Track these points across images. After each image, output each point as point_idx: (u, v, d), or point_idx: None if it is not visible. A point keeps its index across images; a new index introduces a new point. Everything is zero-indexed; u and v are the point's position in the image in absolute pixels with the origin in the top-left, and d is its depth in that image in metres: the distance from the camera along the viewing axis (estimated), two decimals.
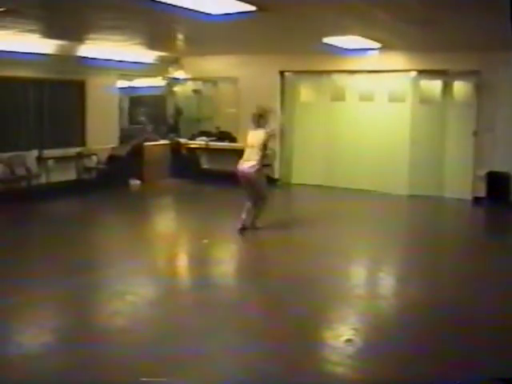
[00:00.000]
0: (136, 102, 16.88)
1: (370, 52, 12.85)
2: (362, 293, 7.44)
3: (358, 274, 8.49)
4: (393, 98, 14.05)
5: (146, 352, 5.26)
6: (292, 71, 15.34)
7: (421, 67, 13.49)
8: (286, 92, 15.42)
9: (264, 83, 15.08)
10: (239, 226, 9.71)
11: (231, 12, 7.97)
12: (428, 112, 13.79)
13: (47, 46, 12.49)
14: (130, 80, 16.23)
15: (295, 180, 15.35)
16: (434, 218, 12.45)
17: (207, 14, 8.08)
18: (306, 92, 15.49)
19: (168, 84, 16.87)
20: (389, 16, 8.22)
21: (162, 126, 16.88)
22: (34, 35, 11.40)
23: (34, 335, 5.69)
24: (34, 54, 12.37)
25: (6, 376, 4.80)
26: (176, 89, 17.03)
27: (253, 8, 7.64)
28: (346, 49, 12.03)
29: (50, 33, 11.51)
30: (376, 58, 13.42)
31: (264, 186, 10.14)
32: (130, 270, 7.85)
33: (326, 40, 10.92)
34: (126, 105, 16.60)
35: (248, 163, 9.69)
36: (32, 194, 13.01)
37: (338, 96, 14.83)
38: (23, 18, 9.39)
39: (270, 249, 9.19)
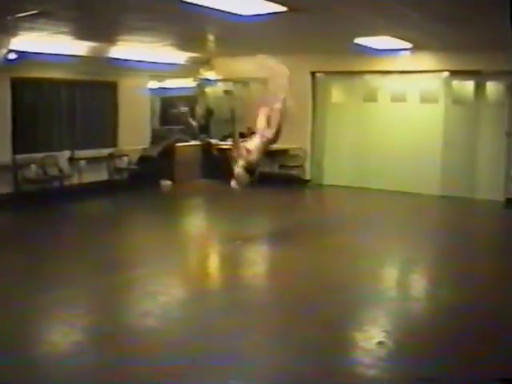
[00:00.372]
0: (167, 102, 16.93)
1: (401, 52, 12.77)
2: (394, 295, 7.39)
3: (390, 275, 8.43)
4: (425, 99, 13.95)
5: (176, 352, 5.27)
6: (323, 72, 15.28)
7: (453, 68, 13.36)
8: (317, 93, 15.37)
9: (295, 84, 14.99)
10: None
11: (262, 13, 7.96)
12: (460, 113, 13.67)
13: (79, 47, 12.58)
14: (161, 81, 16.28)
15: (326, 181, 15.30)
16: (467, 219, 12.31)
17: (238, 15, 8.08)
18: (337, 93, 15.43)
19: (199, 85, 16.90)
20: (420, 15, 8.16)
21: (193, 127, 16.90)
22: (67, 37, 11.49)
23: (66, 334, 5.72)
24: (66, 55, 12.47)
25: (39, 374, 4.84)
26: (207, 90, 17.06)
27: (284, 9, 7.63)
28: (377, 49, 11.97)
29: (81, 34, 11.58)
30: (408, 59, 13.32)
31: None
32: (162, 271, 7.87)
33: (357, 40, 10.88)
34: (157, 106, 16.67)
35: None
36: (64, 194, 13.12)
37: (370, 97, 14.76)
38: (55, 20, 9.47)
39: (302, 250, 9.13)
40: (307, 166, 15.33)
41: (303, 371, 4.85)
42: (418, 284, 8.04)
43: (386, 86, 14.63)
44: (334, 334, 5.81)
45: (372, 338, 5.72)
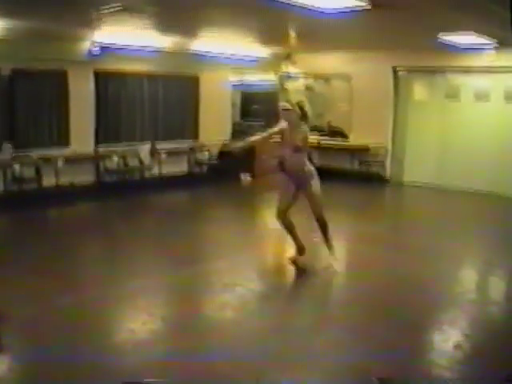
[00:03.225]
0: (248, 97, 16.99)
1: (486, 49, 12.46)
2: (473, 297, 7.24)
3: (470, 278, 8.28)
4: (511, 98, 13.57)
5: (252, 345, 5.32)
6: (405, 68, 15.07)
7: None
8: (398, 89, 15.18)
9: (377, 80, 14.91)
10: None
11: (345, 10, 7.90)
12: None
13: (162, 41, 12.76)
14: (242, 75, 16.36)
15: (406, 179, 15.09)
16: None
17: (321, 11, 8.05)
18: (419, 90, 15.19)
19: (280, 79, 16.90)
20: (505, 9, 7.95)
21: (274, 122, 16.90)
22: (150, 31, 11.66)
23: (145, 322, 5.84)
24: (149, 49, 12.68)
25: (118, 361, 4.95)
26: (288, 85, 17.04)
27: (367, 6, 7.56)
28: (461, 46, 11.72)
29: (164, 29, 11.74)
30: (492, 56, 12.99)
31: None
32: (241, 263, 7.95)
33: (440, 36, 10.68)
34: (238, 100, 16.76)
35: None
36: (144, 185, 13.38)
37: (453, 95, 14.45)
38: (138, 15, 9.62)
39: (381, 249, 9.03)
40: (387, 163, 15.16)
41: (379, 370, 4.81)
42: (499, 287, 7.86)
43: (470, 83, 14.29)
44: (411, 334, 5.74)
45: (450, 339, 5.64)
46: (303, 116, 7.59)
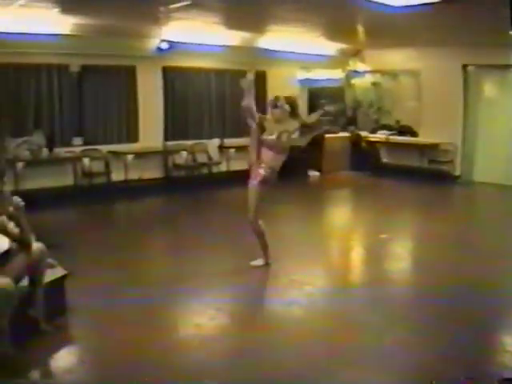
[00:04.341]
0: (314, 93, 16.90)
1: None
2: None
3: None
4: None
5: (319, 343, 5.28)
6: (475, 65, 14.76)
7: None
8: (468, 86, 14.87)
9: (446, 77, 14.65)
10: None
11: (415, 4, 7.80)
12: None
13: (230, 37, 12.82)
14: (308, 72, 16.29)
15: (477, 177, 14.77)
16: None
17: (390, 5, 7.96)
18: (490, 87, 14.84)
19: (347, 76, 16.81)
20: None
21: (341, 118, 16.83)
22: (218, 27, 11.72)
23: (212, 317, 5.84)
24: (217, 45, 12.76)
25: (185, 356, 5.00)
26: (354, 81, 16.94)
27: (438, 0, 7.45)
28: None
29: (232, 24, 11.79)
30: None
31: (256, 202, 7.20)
32: (308, 261, 7.90)
33: None
34: (304, 96, 16.68)
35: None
36: (212, 180, 13.48)
37: None
38: (207, 11, 9.67)
39: (449, 249, 8.85)
40: (457, 161, 14.89)
41: (444, 371, 4.72)
42: None
43: None
44: (479, 335, 5.59)
45: None
46: (293, 113, 7.21)
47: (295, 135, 7.19)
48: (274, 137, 7.01)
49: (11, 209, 4.87)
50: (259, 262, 7.41)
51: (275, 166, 7.15)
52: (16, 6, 9.00)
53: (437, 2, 7.59)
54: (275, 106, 7.19)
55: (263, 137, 7.08)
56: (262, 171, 6.99)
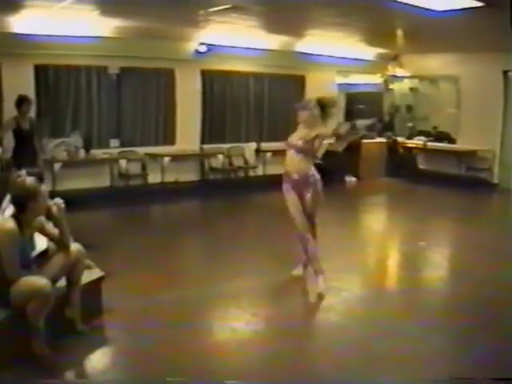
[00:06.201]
0: (352, 98, 16.84)
1: None
2: None
3: None
4: None
5: (356, 350, 5.24)
6: None
7: None
8: (508, 93, 14.68)
9: (485, 83, 14.46)
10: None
11: (456, 8, 7.72)
12: None
13: (269, 41, 12.82)
14: (346, 76, 16.24)
15: None
16: None
17: (431, 10, 7.89)
18: None
19: (385, 81, 16.71)
20: None
21: (379, 124, 16.72)
22: (257, 30, 11.72)
23: (248, 322, 5.82)
24: (255, 48, 12.77)
25: (220, 360, 4.99)
26: (392, 86, 16.84)
27: (480, 4, 7.35)
28: None
29: (271, 28, 11.78)
30: None
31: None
32: (345, 267, 7.82)
33: None
34: (342, 100, 16.63)
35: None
36: (248, 184, 13.47)
37: None
38: (246, 15, 9.67)
39: (486, 256, 8.73)
40: (495, 169, 14.71)
41: (481, 381, 4.65)
42: None
43: None
44: None
45: None
46: (324, 114, 7.01)
47: (330, 140, 7.07)
48: (299, 141, 6.88)
49: (54, 209, 4.90)
50: (299, 270, 7.30)
51: (304, 169, 6.92)
52: (57, 9, 9.08)
53: (478, 7, 7.50)
54: (304, 108, 7.02)
55: (290, 140, 7.01)
56: (295, 176, 6.89)
